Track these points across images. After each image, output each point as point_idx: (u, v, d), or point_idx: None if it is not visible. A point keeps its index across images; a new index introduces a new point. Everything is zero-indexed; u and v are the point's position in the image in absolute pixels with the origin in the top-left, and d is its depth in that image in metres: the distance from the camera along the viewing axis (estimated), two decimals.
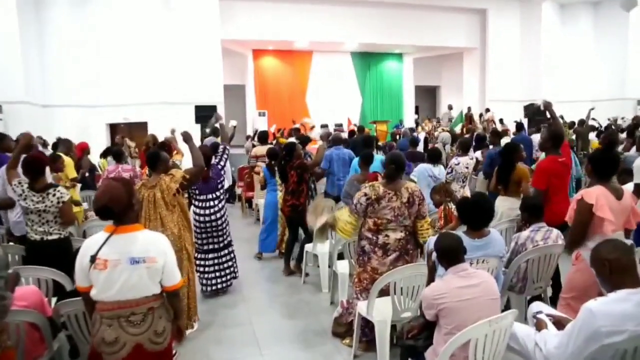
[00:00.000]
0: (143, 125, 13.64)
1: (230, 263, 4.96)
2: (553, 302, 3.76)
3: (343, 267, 4.45)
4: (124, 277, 2.16)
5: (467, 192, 5.92)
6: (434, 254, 2.64)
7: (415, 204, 3.43)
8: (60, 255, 3.49)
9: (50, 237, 3.61)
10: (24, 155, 3.76)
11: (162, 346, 2.29)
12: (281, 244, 6.10)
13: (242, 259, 6.24)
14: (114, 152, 6.30)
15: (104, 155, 7.75)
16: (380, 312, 3.27)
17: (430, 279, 2.69)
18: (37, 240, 3.60)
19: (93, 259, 2.13)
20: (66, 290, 3.25)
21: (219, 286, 4.89)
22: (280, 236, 6.09)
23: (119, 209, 2.18)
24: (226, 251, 4.91)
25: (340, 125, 15.74)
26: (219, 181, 4.70)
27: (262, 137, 8.42)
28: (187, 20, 13.61)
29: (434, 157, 5.84)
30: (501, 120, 14.90)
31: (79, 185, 6.17)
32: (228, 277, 4.94)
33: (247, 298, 4.99)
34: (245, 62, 17.76)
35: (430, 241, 3.09)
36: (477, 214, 3.05)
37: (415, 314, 3.26)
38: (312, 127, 13.96)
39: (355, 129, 11.36)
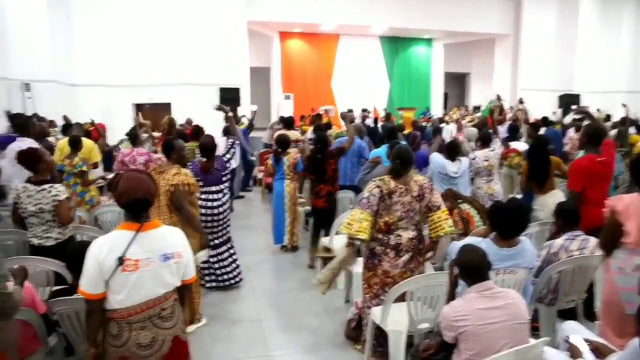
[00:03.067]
0: (167, 106, 13.58)
1: (232, 259, 4.78)
2: (587, 316, 3.46)
3: (358, 265, 4.22)
4: (156, 274, 2.08)
5: (495, 187, 5.53)
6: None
7: (425, 197, 3.21)
8: (62, 257, 3.31)
9: (48, 243, 3.44)
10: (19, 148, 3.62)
11: (187, 335, 2.31)
12: (291, 237, 5.88)
13: (257, 249, 6.11)
14: (129, 134, 6.16)
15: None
16: (395, 320, 3.03)
17: (451, 295, 2.43)
18: (36, 246, 3.43)
19: (122, 260, 1.98)
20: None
21: (226, 283, 4.74)
22: (288, 227, 5.84)
23: (152, 201, 2.16)
24: (225, 247, 4.73)
25: (366, 110, 15.38)
26: (223, 174, 4.51)
27: (288, 122, 8.22)
28: (213, 0, 13.41)
29: (451, 151, 5.19)
30: (521, 101, 14.31)
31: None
32: (233, 273, 4.78)
33: (257, 292, 4.82)
34: (270, 44, 17.48)
35: (453, 249, 2.81)
36: (510, 221, 2.74)
37: (432, 324, 3.01)
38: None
39: (382, 116, 11.02)
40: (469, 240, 2.78)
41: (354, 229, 3.16)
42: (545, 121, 8.60)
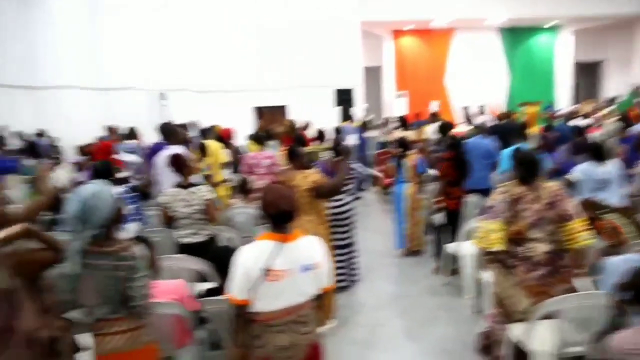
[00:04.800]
0: (283, 109, 14.17)
1: (355, 260, 4.87)
2: None
3: (489, 272, 3.98)
4: (297, 284, 2.17)
5: None
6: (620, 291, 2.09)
7: (556, 205, 2.93)
8: (207, 257, 3.56)
9: (198, 240, 3.72)
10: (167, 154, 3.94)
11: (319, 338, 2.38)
12: (412, 241, 5.75)
13: (377, 251, 6.07)
14: (254, 137, 6.44)
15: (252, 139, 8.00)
16: (540, 340, 2.79)
17: (616, 321, 2.15)
18: (186, 244, 3.73)
19: (267, 271, 2.10)
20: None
21: (345, 284, 4.79)
22: (408, 232, 5.71)
23: (295, 213, 2.23)
24: (351, 249, 4.81)
25: (482, 107, 14.60)
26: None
27: (404, 122, 8.10)
28: (327, 2, 13.69)
29: (597, 153, 4.61)
30: None
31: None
32: (353, 273, 4.83)
33: (379, 295, 4.79)
34: (381, 43, 17.37)
35: (612, 267, 2.51)
36: None
37: (586, 349, 2.73)
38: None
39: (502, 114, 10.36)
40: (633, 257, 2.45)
41: (488, 241, 2.99)
42: None
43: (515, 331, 2.94)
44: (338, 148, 4.61)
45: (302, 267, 2.16)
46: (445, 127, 5.71)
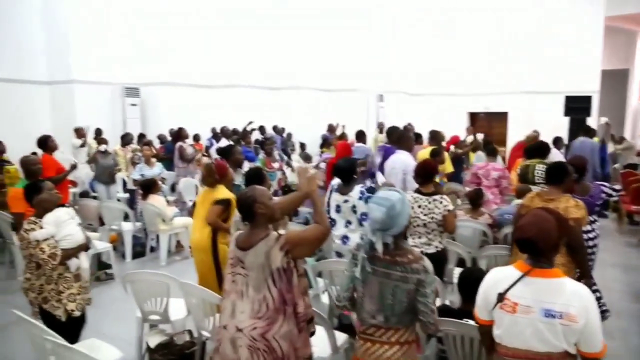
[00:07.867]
0: (502, 116, 13.24)
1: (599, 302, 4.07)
2: None
3: None
4: (533, 328, 1.89)
5: None
6: None
7: None
8: (436, 268, 3.42)
9: (430, 251, 3.59)
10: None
11: None
12: None
13: (620, 293, 5.14)
14: (487, 148, 6.02)
15: (473, 149, 7.62)
16: None
17: None
18: None
19: (501, 297, 1.94)
20: None
21: None
22: None
23: (544, 246, 1.92)
24: (592, 288, 4.04)
25: None
26: (597, 202, 3.84)
27: None
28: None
29: None
30: None
31: None
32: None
33: (620, 347, 4.00)
34: (632, 42, 14.75)
35: None
36: None
37: None
38: None
39: None
40: None
41: None
42: None
43: None
44: (581, 168, 3.90)
45: (544, 311, 1.85)
46: None
